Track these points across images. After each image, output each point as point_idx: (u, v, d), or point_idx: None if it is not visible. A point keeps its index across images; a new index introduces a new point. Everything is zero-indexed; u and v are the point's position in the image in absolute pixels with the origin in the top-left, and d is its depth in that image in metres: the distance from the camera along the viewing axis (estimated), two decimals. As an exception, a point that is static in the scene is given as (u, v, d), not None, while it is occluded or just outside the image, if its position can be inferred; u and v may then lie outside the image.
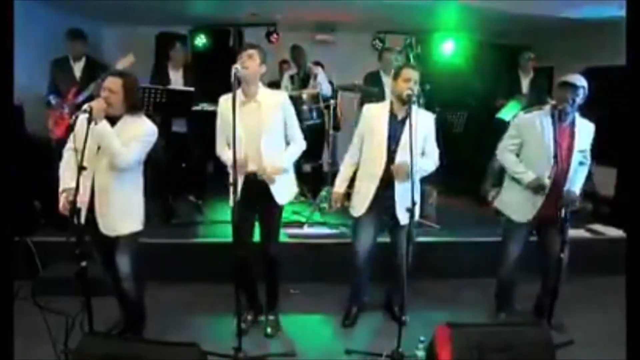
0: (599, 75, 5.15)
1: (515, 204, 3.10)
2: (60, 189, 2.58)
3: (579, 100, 2.86)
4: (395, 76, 2.92)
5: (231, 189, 2.66)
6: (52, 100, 4.09)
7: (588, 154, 3.07)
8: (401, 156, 2.82)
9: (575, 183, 3.03)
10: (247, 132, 2.71)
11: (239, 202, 2.65)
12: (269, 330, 3.07)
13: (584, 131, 2.99)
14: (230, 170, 2.64)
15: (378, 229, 3.06)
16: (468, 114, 4.91)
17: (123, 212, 2.65)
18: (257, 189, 2.80)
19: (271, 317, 3.15)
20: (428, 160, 2.95)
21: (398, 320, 2.76)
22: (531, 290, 3.34)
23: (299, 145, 2.95)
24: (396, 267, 2.92)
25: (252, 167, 2.78)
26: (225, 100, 2.81)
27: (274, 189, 2.82)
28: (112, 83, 2.55)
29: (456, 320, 2.48)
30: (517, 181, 3.06)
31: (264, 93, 2.81)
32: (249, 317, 3.14)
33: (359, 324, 3.23)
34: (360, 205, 3.00)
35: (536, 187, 2.94)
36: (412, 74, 2.84)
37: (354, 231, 3.13)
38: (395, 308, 3.24)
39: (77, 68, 4.16)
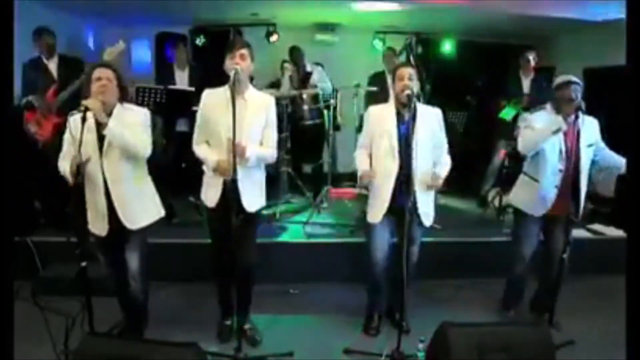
0: (598, 75, 5.18)
1: (531, 198, 3.10)
2: (63, 168, 2.55)
3: (579, 95, 2.89)
4: (393, 78, 2.93)
5: (205, 189, 2.75)
6: (35, 101, 3.91)
7: (601, 144, 3.07)
8: (414, 155, 2.75)
9: (614, 165, 3.05)
10: (229, 131, 2.52)
11: (216, 206, 2.69)
12: (249, 339, 2.96)
13: (588, 126, 2.99)
14: (207, 169, 2.73)
15: (392, 232, 3.02)
16: (468, 114, 4.91)
17: (144, 202, 2.70)
18: (231, 194, 2.66)
19: (248, 326, 3.02)
20: (443, 163, 2.97)
21: (399, 326, 2.76)
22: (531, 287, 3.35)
23: (271, 151, 2.82)
24: (407, 270, 2.82)
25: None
26: (208, 96, 2.75)
27: (243, 195, 2.71)
28: (105, 73, 2.55)
29: (456, 320, 2.48)
30: (531, 177, 3.09)
31: (251, 92, 2.76)
32: (227, 323, 3.05)
33: (359, 324, 3.23)
34: (378, 210, 2.92)
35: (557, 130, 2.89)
36: (407, 72, 2.82)
37: (369, 238, 3.04)
38: (396, 314, 3.14)
39: (52, 66, 4.06)
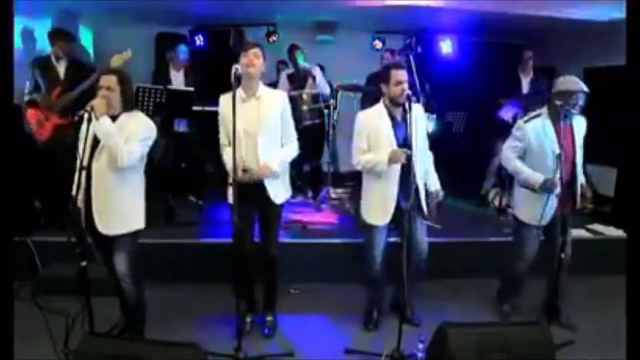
0: (598, 75, 5.18)
1: (535, 210, 3.02)
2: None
3: (582, 102, 2.89)
4: (386, 79, 2.89)
5: (230, 188, 2.72)
6: (39, 99, 3.93)
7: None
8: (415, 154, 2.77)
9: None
10: (247, 129, 2.72)
11: (238, 201, 2.67)
12: (267, 331, 3.06)
13: (581, 127, 3.03)
14: (230, 170, 2.71)
15: (390, 231, 3.06)
16: (468, 114, 4.91)
17: (122, 211, 2.62)
18: (254, 188, 2.78)
19: (269, 318, 3.13)
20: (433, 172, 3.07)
21: (409, 321, 2.78)
22: (534, 287, 3.34)
23: (293, 147, 2.94)
24: (413, 267, 2.93)
25: (248, 165, 2.75)
26: (225, 100, 2.81)
27: (270, 188, 2.83)
28: (109, 81, 2.53)
29: (456, 320, 2.48)
30: (531, 189, 3.05)
31: (263, 90, 2.85)
32: (248, 319, 3.11)
33: (359, 323, 3.23)
34: (382, 212, 2.94)
35: (548, 188, 2.90)
36: (403, 75, 2.85)
37: (370, 238, 3.04)
38: (408, 311, 3.14)
39: (61, 68, 4.04)
